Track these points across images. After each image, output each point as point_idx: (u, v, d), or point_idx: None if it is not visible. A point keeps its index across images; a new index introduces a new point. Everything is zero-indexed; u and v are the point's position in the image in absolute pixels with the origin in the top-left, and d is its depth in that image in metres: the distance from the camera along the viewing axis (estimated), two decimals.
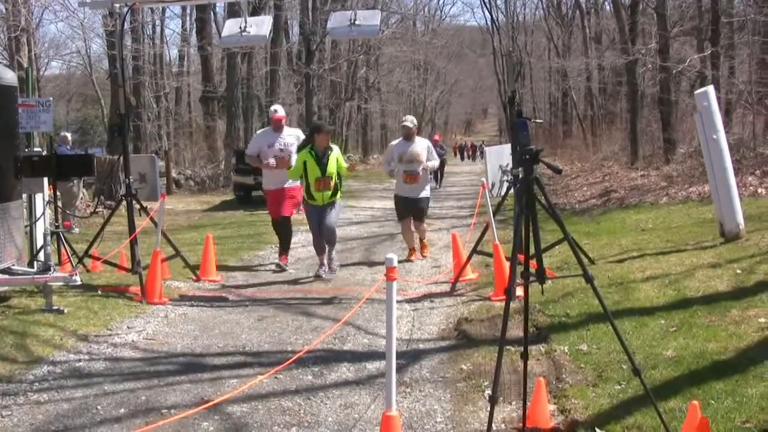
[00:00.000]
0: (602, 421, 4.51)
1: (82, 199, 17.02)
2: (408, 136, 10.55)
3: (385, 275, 3.93)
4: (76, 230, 13.91)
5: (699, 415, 3.79)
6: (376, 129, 61.00)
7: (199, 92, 37.88)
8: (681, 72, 23.68)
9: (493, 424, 4.31)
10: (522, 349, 4.66)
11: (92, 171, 9.83)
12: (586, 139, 39.63)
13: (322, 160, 9.23)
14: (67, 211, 13.38)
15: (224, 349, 6.59)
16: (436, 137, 29.94)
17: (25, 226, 9.17)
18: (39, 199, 9.58)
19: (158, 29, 44.43)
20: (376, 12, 11.17)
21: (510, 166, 18.82)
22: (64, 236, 9.52)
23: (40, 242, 9.11)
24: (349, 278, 9.76)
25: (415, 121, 10.91)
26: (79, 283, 7.92)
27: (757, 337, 5.68)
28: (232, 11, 22.62)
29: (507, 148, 21.77)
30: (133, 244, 8.79)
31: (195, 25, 36.53)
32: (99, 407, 5.14)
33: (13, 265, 7.97)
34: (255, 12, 25.52)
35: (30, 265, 8.70)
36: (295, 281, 9.54)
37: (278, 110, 10.34)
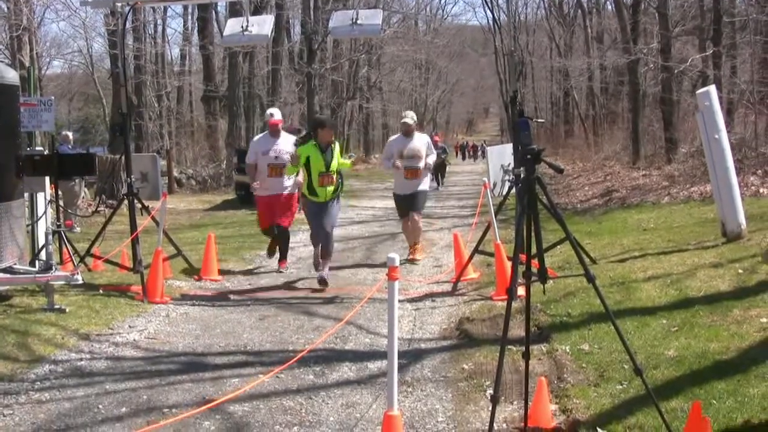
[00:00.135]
0: (604, 421, 4.50)
1: (83, 198, 17.04)
2: (408, 132, 10.46)
3: (386, 275, 3.93)
4: (78, 229, 13.91)
5: (701, 415, 3.78)
6: (378, 128, 60.99)
7: (200, 91, 37.90)
8: (683, 72, 23.65)
9: (494, 424, 4.31)
10: (524, 348, 4.66)
11: (94, 170, 9.83)
12: (588, 138, 39.60)
13: (326, 155, 8.94)
14: (69, 210, 13.39)
15: (226, 349, 6.59)
16: (437, 138, 29.92)
17: (27, 225, 9.18)
18: (41, 198, 9.59)
19: (160, 28, 44.48)
20: (378, 11, 11.17)
21: (512, 165, 18.79)
22: (65, 235, 9.54)
23: (41, 241, 9.12)
24: (351, 278, 9.76)
25: (415, 117, 10.79)
26: (80, 282, 7.92)
27: (758, 337, 5.67)
28: (234, 10, 22.65)
29: (509, 147, 21.74)
30: (135, 243, 8.79)
31: (197, 25, 36.56)
32: (100, 406, 5.15)
33: (15, 264, 7.98)
34: (257, 11, 25.50)
35: (32, 264, 8.71)
36: (296, 280, 9.54)
37: (274, 114, 10.06)
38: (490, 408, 4.30)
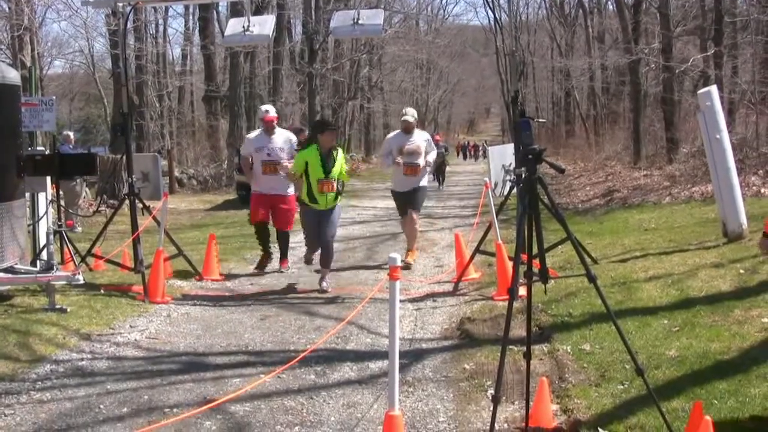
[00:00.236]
0: (605, 421, 4.50)
1: (84, 198, 17.05)
2: (408, 129, 10.22)
3: (387, 274, 3.93)
4: (79, 229, 13.90)
5: (702, 415, 3.78)
6: (379, 128, 60.95)
7: (201, 91, 37.90)
8: (684, 72, 23.65)
9: (495, 424, 4.30)
10: (525, 348, 4.66)
11: (95, 170, 9.83)
12: (589, 138, 39.60)
13: (327, 161, 8.57)
14: (70, 210, 13.39)
15: (227, 349, 6.59)
16: (438, 137, 29.88)
17: (28, 225, 9.18)
18: (42, 198, 9.60)
19: (161, 28, 44.52)
20: (379, 11, 11.17)
21: (513, 165, 18.79)
22: (66, 235, 9.55)
23: (42, 241, 9.13)
24: (352, 278, 9.75)
25: (416, 115, 10.57)
26: (81, 282, 7.92)
27: (760, 337, 5.67)
28: (235, 10, 22.67)
29: (510, 147, 21.74)
30: (136, 243, 8.78)
31: (198, 25, 36.52)
32: (101, 406, 5.15)
33: (16, 263, 7.98)
34: (258, 11, 25.50)
35: (33, 264, 8.71)
36: (297, 280, 9.53)
37: (270, 111, 9.82)
38: (492, 408, 4.30)
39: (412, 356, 6.23)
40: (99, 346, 6.59)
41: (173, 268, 9.66)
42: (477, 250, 9.08)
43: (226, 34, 10.08)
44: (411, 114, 10.41)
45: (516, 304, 5.83)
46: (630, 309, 6.89)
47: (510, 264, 7.80)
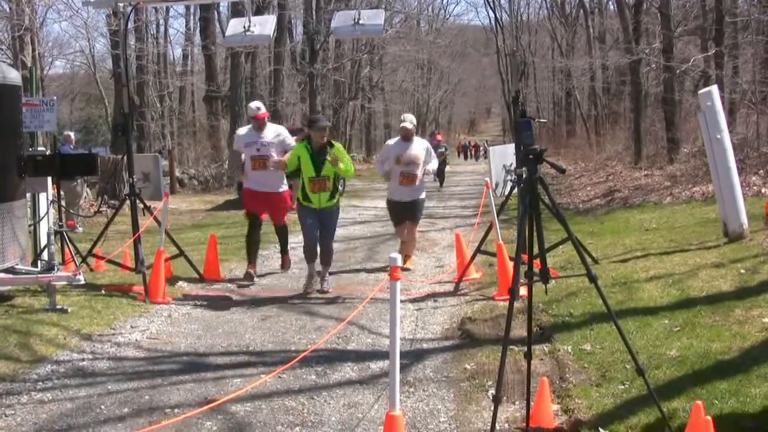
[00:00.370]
0: (606, 421, 4.50)
1: (85, 198, 17.05)
2: (407, 136, 9.89)
3: (388, 275, 3.93)
4: (80, 229, 13.93)
5: (703, 415, 3.78)
6: (380, 128, 60.99)
7: (202, 91, 37.90)
8: (685, 72, 23.65)
9: (496, 424, 4.30)
10: (526, 348, 4.66)
11: (96, 170, 9.82)
12: (590, 138, 39.60)
13: (318, 158, 8.33)
14: (71, 211, 13.40)
15: (228, 349, 6.59)
16: (439, 137, 29.87)
17: (29, 226, 9.18)
18: (42, 199, 9.60)
19: (162, 28, 44.46)
20: (380, 11, 11.15)
21: (513, 165, 18.79)
22: (67, 235, 9.56)
23: (43, 241, 9.14)
24: (353, 278, 9.75)
25: (415, 121, 10.17)
26: (82, 282, 7.93)
27: (760, 337, 5.67)
28: (236, 10, 22.66)
29: (511, 147, 21.70)
30: (137, 243, 8.79)
31: (199, 25, 36.50)
32: (102, 406, 5.15)
33: (17, 264, 7.99)
34: (259, 11, 25.51)
35: (33, 264, 8.73)
36: (298, 280, 9.53)
37: (261, 108, 9.49)
38: (492, 408, 4.30)
39: (413, 356, 6.23)
40: (100, 347, 6.60)
41: (174, 269, 9.66)
42: (478, 250, 9.08)
43: (227, 34, 10.08)
44: (410, 121, 9.99)
45: (517, 304, 5.83)
46: (631, 309, 6.88)
47: (511, 264, 7.80)
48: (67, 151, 14.42)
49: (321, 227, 8.60)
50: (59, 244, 9.50)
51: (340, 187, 8.54)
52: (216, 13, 33.76)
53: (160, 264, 8.45)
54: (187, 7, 40.06)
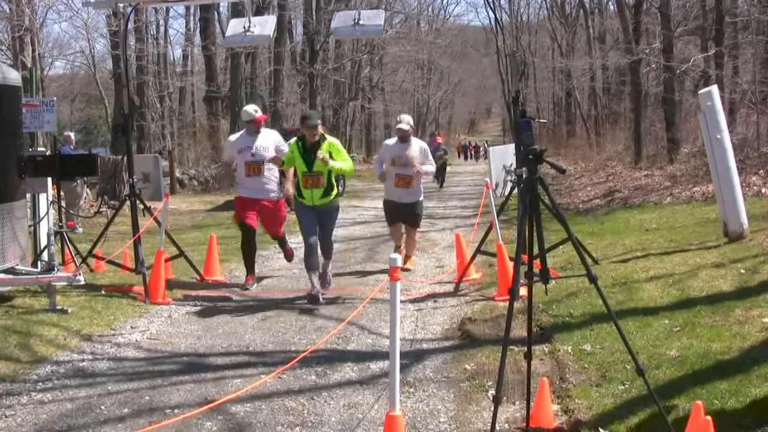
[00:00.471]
0: (606, 421, 4.50)
1: (85, 198, 17.04)
2: (404, 138, 9.78)
3: (388, 275, 3.93)
4: (80, 230, 13.93)
5: (703, 415, 3.78)
6: (380, 129, 60.98)
7: (202, 92, 37.90)
8: (685, 72, 23.67)
9: (496, 424, 4.30)
10: (526, 349, 4.66)
11: (96, 171, 9.83)
12: (590, 139, 39.62)
13: (309, 154, 8.16)
14: (71, 211, 13.40)
15: (228, 349, 6.59)
16: (439, 139, 29.87)
17: (29, 226, 9.18)
18: (43, 199, 9.60)
19: (162, 29, 44.46)
20: (380, 12, 11.15)
21: (514, 166, 18.80)
22: (67, 236, 9.56)
23: (43, 242, 9.13)
24: (353, 278, 9.75)
25: (411, 122, 10.08)
26: (82, 282, 7.92)
27: (760, 337, 5.66)
28: (236, 11, 22.68)
29: (511, 147, 21.73)
30: (137, 243, 8.79)
31: (199, 25, 36.51)
32: (102, 407, 5.15)
33: (17, 264, 7.99)
34: (259, 12, 25.52)
35: (34, 264, 8.73)
36: (298, 281, 9.53)
37: (258, 110, 9.20)
38: (492, 408, 4.29)
39: (413, 357, 6.23)
40: (100, 347, 6.60)
41: (174, 269, 9.66)
42: (478, 251, 9.08)
43: (227, 34, 10.08)
44: (406, 121, 9.87)
45: (517, 305, 5.83)
46: (631, 309, 6.88)
47: (511, 264, 7.80)
48: (67, 151, 14.41)
49: (320, 227, 8.41)
50: (59, 245, 9.50)
51: (340, 188, 8.37)
52: (216, 13, 33.80)
53: (160, 264, 8.45)
54: (187, 8, 40.09)
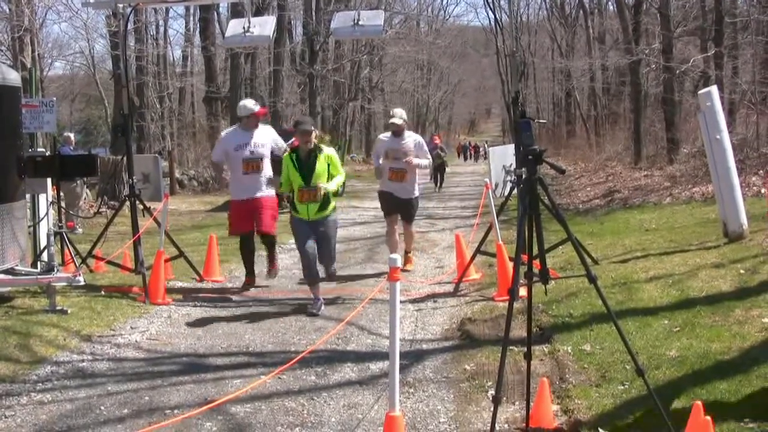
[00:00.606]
0: (605, 422, 4.51)
1: (85, 199, 17.04)
2: (397, 132, 9.57)
3: (388, 275, 3.93)
4: (80, 230, 13.93)
5: (702, 415, 3.78)
6: (380, 129, 60.62)
7: (202, 92, 37.90)
8: (684, 72, 23.66)
9: (496, 425, 4.30)
10: (525, 349, 4.66)
11: (95, 171, 9.83)
12: (590, 139, 39.61)
13: (304, 166, 7.71)
14: (71, 212, 13.40)
15: (227, 350, 6.59)
16: (437, 140, 29.85)
17: (29, 227, 9.18)
18: (42, 200, 9.60)
19: (161, 29, 44.40)
20: (380, 12, 11.17)
21: (513, 166, 18.80)
22: (67, 236, 9.55)
23: (43, 242, 9.13)
24: (353, 278, 9.75)
25: (405, 116, 9.80)
26: (82, 283, 7.92)
27: (760, 337, 5.67)
28: (236, 11, 22.70)
29: (510, 148, 21.73)
30: (137, 244, 8.79)
31: (198, 26, 36.50)
32: (102, 407, 5.15)
33: (17, 265, 7.98)
34: (258, 12, 25.53)
35: (33, 265, 8.72)
36: (298, 281, 9.52)
37: (258, 104, 8.92)
38: (492, 408, 4.30)
39: (413, 357, 6.23)
40: (99, 348, 6.60)
41: (174, 269, 9.66)
42: (478, 251, 9.08)
43: (226, 35, 10.08)
44: (399, 116, 9.66)
45: (516, 305, 5.83)
46: (630, 309, 6.89)
47: (510, 265, 7.80)
48: (66, 152, 14.41)
49: (318, 243, 7.90)
50: (59, 245, 9.50)
51: (339, 189, 8.21)
52: (216, 14, 33.80)
53: (160, 265, 8.45)
54: (187, 8, 40.05)
